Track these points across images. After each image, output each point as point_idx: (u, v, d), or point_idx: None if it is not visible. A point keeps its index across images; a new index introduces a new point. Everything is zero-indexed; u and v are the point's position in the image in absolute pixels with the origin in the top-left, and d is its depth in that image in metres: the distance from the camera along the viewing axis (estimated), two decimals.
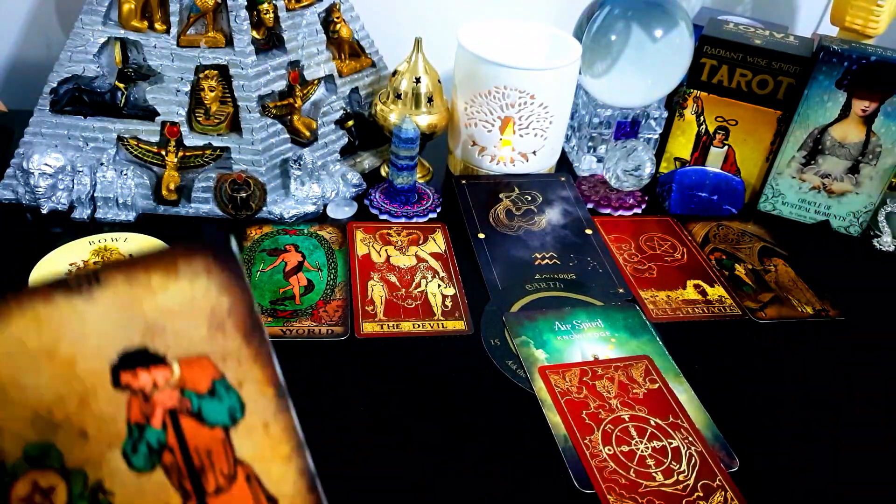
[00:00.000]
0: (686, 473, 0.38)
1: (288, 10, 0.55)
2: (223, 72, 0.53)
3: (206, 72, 0.53)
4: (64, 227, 0.54)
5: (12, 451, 0.18)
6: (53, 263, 0.50)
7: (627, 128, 0.66)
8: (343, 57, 0.62)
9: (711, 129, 0.63)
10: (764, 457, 0.40)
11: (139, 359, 0.19)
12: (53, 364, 0.19)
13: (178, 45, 0.52)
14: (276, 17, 0.54)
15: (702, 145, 0.64)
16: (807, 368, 0.47)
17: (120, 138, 0.55)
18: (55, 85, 0.54)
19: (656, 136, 0.66)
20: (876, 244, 0.61)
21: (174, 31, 0.52)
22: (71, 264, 0.50)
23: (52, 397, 0.18)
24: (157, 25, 0.53)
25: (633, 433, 0.40)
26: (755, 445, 0.41)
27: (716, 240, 0.59)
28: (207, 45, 0.53)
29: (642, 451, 0.39)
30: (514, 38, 0.64)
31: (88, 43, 0.53)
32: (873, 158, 0.59)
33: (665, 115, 0.65)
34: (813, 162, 0.61)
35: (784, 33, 0.62)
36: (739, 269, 0.56)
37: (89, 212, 0.54)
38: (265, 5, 0.53)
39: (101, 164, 0.55)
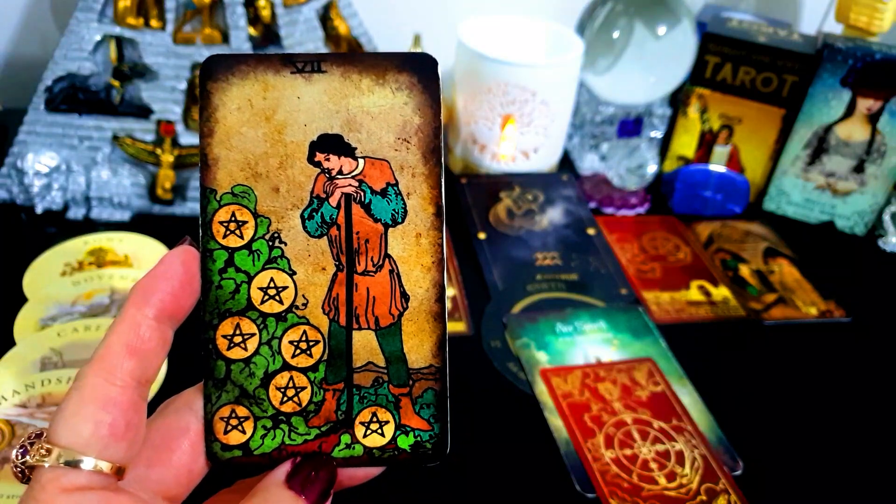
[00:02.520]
0: (689, 477, 0.38)
1: (285, 6, 0.54)
2: None
3: None
4: (58, 226, 0.53)
5: (224, 184, 0.23)
6: (48, 264, 0.49)
7: (630, 126, 0.65)
8: None
9: (715, 128, 0.62)
10: (768, 460, 0.40)
11: (334, 144, 0.23)
12: (268, 125, 0.23)
13: (173, 42, 0.52)
14: (273, 14, 0.53)
15: (705, 144, 0.63)
16: (812, 370, 0.47)
17: (115, 137, 0.54)
18: (50, 83, 0.53)
19: (660, 135, 0.65)
20: (881, 244, 0.60)
21: (170, 28, 0.52)
22: (65, 264, 0.49)
23: (260, 152, 0.23)
24: (153, 22, 0.52)
25: (636, 436, 0.39)
26: (759, 448, 0.40)
27: (720, 240, 0.59)
28: (203, 41, 0.52)
29: (645, 455, 0.38)
30: (515, 34, 0.63)
31: (83, 40, 0.52)
32: (878, 157, 0.58)
33: (668, 112, 0.65)
34: (817, 161, 0.60)
35: (788, 30, 0.61)
36: (744, 270, 0.55)
37: (84, 211, 0.54)
38: (262, 1, 0.52)
39: (96, 162, 0.54)
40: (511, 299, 0.49)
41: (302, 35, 0.56)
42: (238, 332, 0.23)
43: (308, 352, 0.23)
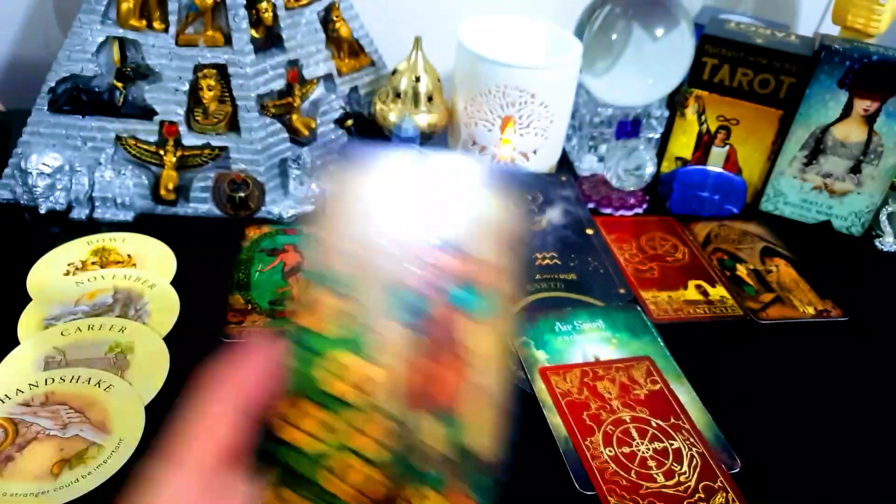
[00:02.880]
0: (687, 475, 0.38)
1: (287, 8, 0.55)
2: (222, 71, 0.53)
3: (205, 71, 0.53)
4: (62, 226, 0.53)
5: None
6: (51, 263, 0.49)
7: (629, 127, 0.65)
8: (342, 56, 0.61)
9: (713, 129, 0.63)
10: (765, 458, 0.40)
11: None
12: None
13: (176, 44, 0.52)
14: (275, 16, 0.54)
15: (703, 145, 0.64)
16: (809, 369, 0.47)
17: (118, 138, 0.55)
18: (53, 84, 0.54)
19: (657, 136, 0.66)
20: (878, 244, 0.60)
21: (172, 30, 0.52)
22: (69, 264, 0.50)
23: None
24: (156, 24, 0.52)
25: (635, 434, 0.40)
26: (757, 446, 0.41)
27: (717, 240, 0.59)
28: (206, 44, 0.52)
29: (643, 453, 0.39)
30: (515, 36, 0.64)
31: (87, 42, 0.53)
32: (875, 158, 0.58)
33: (666, 114, 0.65)
34: (815, 162, 0.60)
35: (785, 32, 0.62)
36: (741, 270, 0.55)
37: (87, 211, 0.54)
38: (264, 4, 0.53)
39: (100, 163, 0.55)
40: None
41: (303, 37, 0.57)
42: (310, 416, 0.22)
43: (376, 438, 0.22)
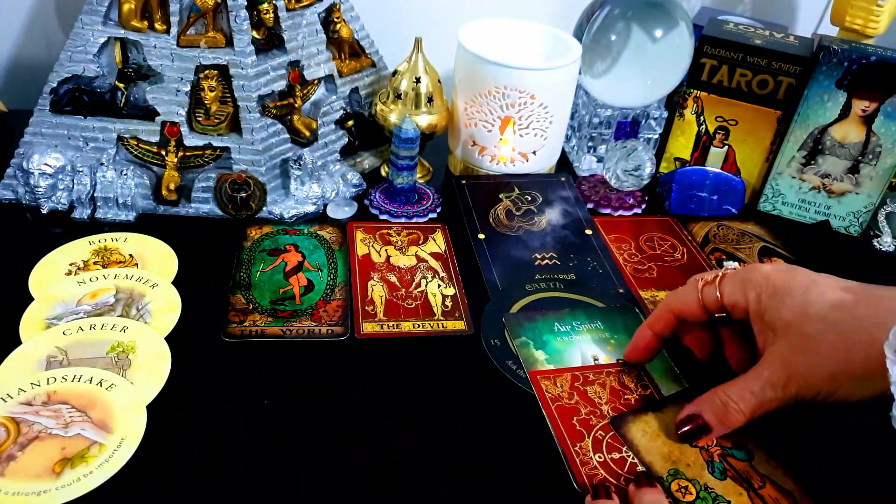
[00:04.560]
0: None
1: (288, 10, 0.55)
2: (223, 72, 0.53)
3: (206, 72, 0.53)
4: (64, 227, 0.54)
5: (661, 471, 0.38)
6: (53, 263, 0.50)
7: (627, 128, 0.65)
8: (343, 57, 0.62)
9: (711, 129, 0.63)
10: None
11: None
12: None
13: (178, 45, 0.52)
14: (276, 17, 0.54)
15: (702, 145, 0.64)
16: None
17: (120, 138, 0.55)
18: (55, 85, 0.54)
19: (656, 136, 0.66)
20: (876, 244, 0.61)
21: (174, 31, 0.52)
22: (71, 264, 0.50)
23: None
24: (157, 25, 0.53)
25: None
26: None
27: (716, 240, 0.59)
28: (207, 45, 0.53)
29: (633, 458, 0.39)
30: (514, 38, 0.64)
31: (88, 43, 0.53)
32: (873, 158, 0.59)
33: (665, 115, 0.65)
34: (813, 162, 0.61)
35: (784, 33, 0.62)
36: None
37: (89, 212, 0.54)
38: (265, 5, 0.53)
39: (101, 164, 0.55)
40: (510, 298, 0.50)
41: (304, 38, 0.57)
42: None
43: None
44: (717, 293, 0.39)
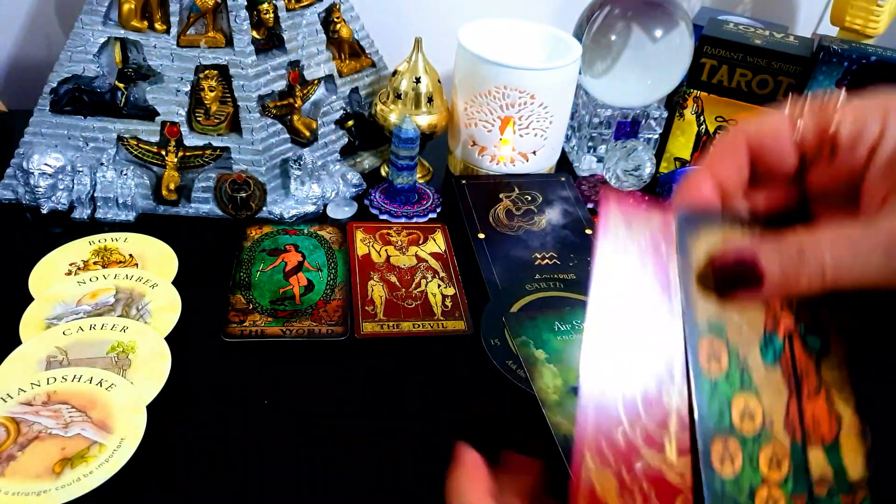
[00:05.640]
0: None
1: (288, 10, 0.55)
2: (223, 72, 0.53)
3: (206, 72, 0.53)
4: (64, 227, 0.54)
5: (701, 319, 0.25)
6: (53, 263, 0.50)
7: (627, 128, 0.65)
8: (343, 57, 0.62)
9: (711, 129, 0.63)
10: None
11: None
12: None
13: (178, 45, 0.52)
14: (276, 17, 0.54)
15: (702, 145, 0.64)
16: None
17: (120, 138, 0.55)
18: (55, 85, 0.54)
19: (656, 136, 0.66)
20: None
21: (174, 31, 0.52)
22: (71, 264, 0.50)
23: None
24: (157, 25, 0.53)
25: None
26: None
27: None
28: (207, 45, 0.53)
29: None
30: (515, 38, 0.64)
31: (88, 43, 0.53)
32: None
33: (665, 115, 0.65)
34: None
35: (784, 33, 0.62)
36: None
37: (89, 212, 0.54)
38: (265, 5, 0.53)
39: (101, 164, 0.55)
40: (510, 298, 0.50)
41: (304, 38, 0.57)
42: (727, 451, 0.25)
43: (778, 467, 0.25)
44: (831, 118, 0.24)
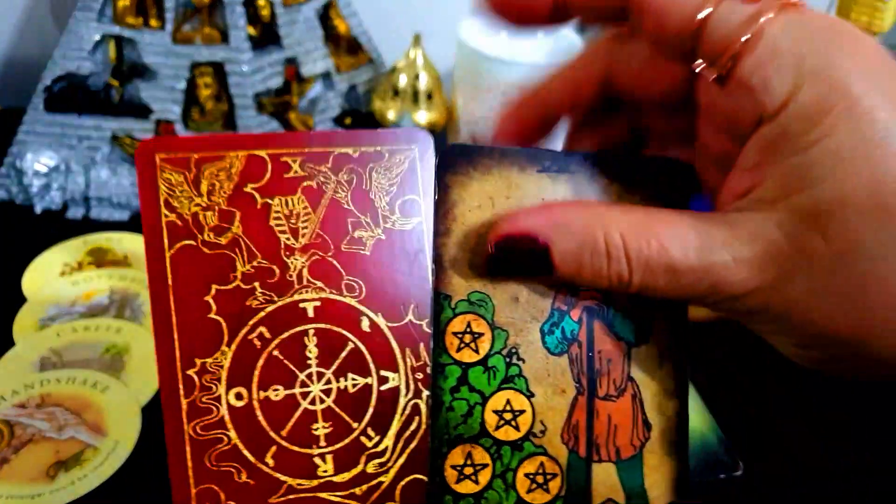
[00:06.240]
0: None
1: (284, 5, 0.54)
2: (218, 69, 0.53)
3: (202, 69, 0.52)
4: (57, 226, 0.53)
5: (460, 290, 0.20)
6: (47, 264, 0.49)
7: None
8: (340, 53, 0.61)
9: None
10: (768, 461, 0.40)
11: None
12: None
13: (173, 41, 0.52)
14: (273, 13, 0.53)
15: None
16: (813, 370, 0.47)
17: (114, 136, 0.54)
18: (49, 83, 0.53)
19: None
20: None
21: (169, 27, 0.52)
22: (65, 264, 0.49)
23: None
24: (152, 22, 0.52)
25: None
26: (759, 449, 0.40)
27: None
28: (203, 41, 0.52)
29: None
30: (515, 34, 0.63)
31: (82, 40, 0.52)
32: None
33: None
34: None
35: None
36: None
37: (83, 211, 0.54)
38: (261, 1, 0.52)
39: (95, 162, 0.54)
40: None
41: (301, 34, 0.56)
42: (469, 462, 0.20)
43: (545, 486, 0.20)
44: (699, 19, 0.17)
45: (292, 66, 0.56)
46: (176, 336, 0.20)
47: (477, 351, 0.20)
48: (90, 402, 0.39)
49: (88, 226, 0.53)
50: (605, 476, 0.20)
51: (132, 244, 0.52)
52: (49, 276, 0.48)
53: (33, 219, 0.53)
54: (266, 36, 0.54)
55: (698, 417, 0.41)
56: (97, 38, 0.52)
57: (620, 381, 0.21)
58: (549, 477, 0.20)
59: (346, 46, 0.61)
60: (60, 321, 0.44)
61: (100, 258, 0.50)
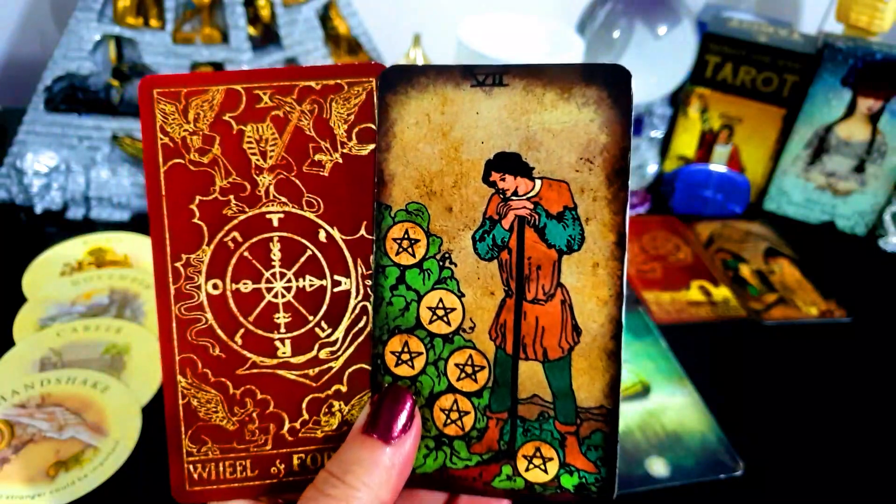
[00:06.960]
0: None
1: (284, 5, 0.54)
2: (219, 69, 0.53)
3: (202, 68, 0.52)
4: (58, 226, 0.53)
5: (399, 201, 0.22)
6: (47, 264, 0.49)
7: None
8: (340, 53, 0.61)
9: (716, 127, 0.62)
10: (768, 460, 0.40)
11: (511, 164, 0.22)
12: (445, 142, 0.22)
13: (173, 41, 0.52)
14: (273, 13, 0.53)
15: (706, 143, 0.63)
16: (812, 370, 0.47)
17: (114, 136, 0.54)
18: (49, 83, 0.53)
19: (660, 134, 0.65)
20: (881, 244, 0.60)
21: (169, 27, 0.52)
22: (65, 264, 0.49)
23: (436, 170, 0.22)
24: (152, 22, 0.52)
25: None
26: (760, 449, 0.40)
27: (720, 240, 0.58)
28: (203, 41, 0.52)
29: None
30: (516, 33, 0.63)
31: (83, 40, 0.52)
32: (879, 157, 0.58)
33: (669, 112, 0.65)
34: (818, 161, 0.60)
35: (789, 30, 0.61)
36: (744, 270, 0.55)
37: (83, 211, 0.54)
38: (262, 1, 0.52)
39: (96, 162, 0.54)
40: None
41: (301, 35, 0.56)
42: (406, 349, 0.23)
43: (473, 376, 0.22)
44: None
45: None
46: (167, 235, 0.23)
47: (413, 255, 0.22)
48: (90, 402, 0.39)
49: (88, 226, 0.53)
50: (531, 373, 0.22)
51: (132, 244, 0.52)
52: (49, 276, 0.48)
53: (33, 219, 0.53)
54: (266, 36, 0.54)
55: (698, 417, 0.41)
56: (97, 38, 0.52)
57: (550, 286, 0.22)
58: (477, 368, 0.22)
59: (346, 46, 0.61)
60: (60, 321, 0.44)
61: (100, 258, 0.50)
